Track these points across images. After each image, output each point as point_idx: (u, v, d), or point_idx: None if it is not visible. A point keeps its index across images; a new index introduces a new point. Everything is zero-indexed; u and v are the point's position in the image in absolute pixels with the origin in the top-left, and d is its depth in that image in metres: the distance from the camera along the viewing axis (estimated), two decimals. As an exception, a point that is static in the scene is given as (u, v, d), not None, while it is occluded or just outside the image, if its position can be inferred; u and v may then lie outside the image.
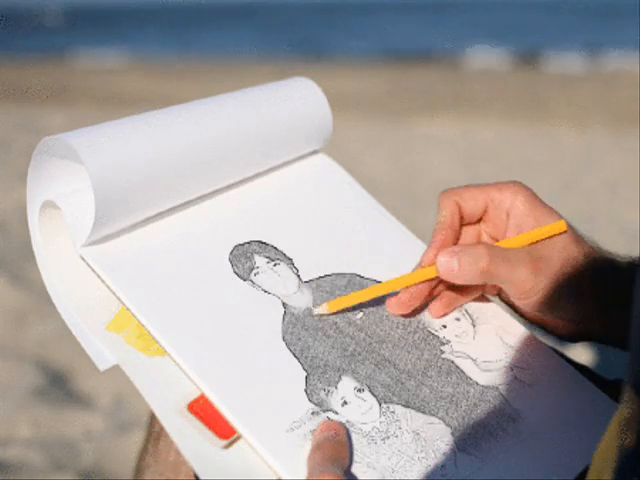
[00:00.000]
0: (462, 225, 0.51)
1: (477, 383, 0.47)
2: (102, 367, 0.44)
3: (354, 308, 0.49)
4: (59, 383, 1.48)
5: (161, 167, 0.47)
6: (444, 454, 0.43)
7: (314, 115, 0.58)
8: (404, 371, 0.46)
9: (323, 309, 0.47)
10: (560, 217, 0.49)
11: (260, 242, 0.51)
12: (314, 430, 0.41)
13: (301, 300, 0.48)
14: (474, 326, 0.51)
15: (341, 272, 0.51)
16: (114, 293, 0.44)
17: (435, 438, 0.43)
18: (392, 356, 0.47)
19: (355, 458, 0.41)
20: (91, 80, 7.29)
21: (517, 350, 0.50)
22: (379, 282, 0.51)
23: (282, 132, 0.55)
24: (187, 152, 0.48)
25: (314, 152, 0.60)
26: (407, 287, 0.48)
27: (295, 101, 0.57)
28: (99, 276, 0.45)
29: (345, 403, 0.43)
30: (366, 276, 0.51)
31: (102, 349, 0.44)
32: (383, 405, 0.44)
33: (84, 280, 0.45)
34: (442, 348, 0.49)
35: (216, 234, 0.50)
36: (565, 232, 0.48)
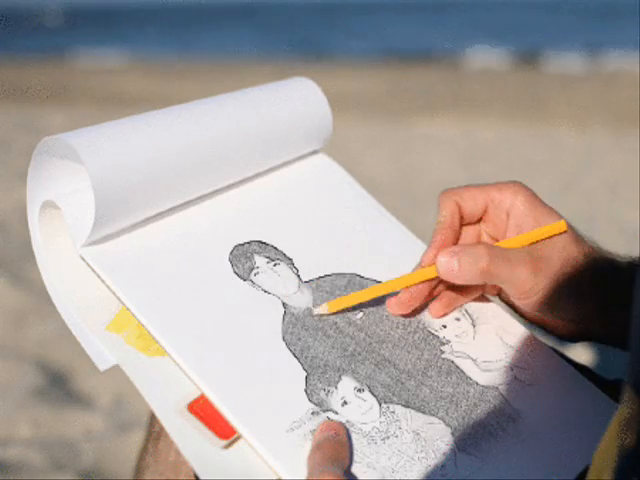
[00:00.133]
0: (462, 225, 0.51)
1: (477, 383, 0.47)
2: (102, 367, 0.44)
3: (354, 308, 0.49)
4: (59, 383, 1.48)
5: (161, 167, 0.47)
6: (444, 454, 0.43)
7: (314, 115, 0.58)
8: (404, 371, 0.46)
9: (323, 309, 0.47)
10: (560, 217, 0.49)
11: (260, 242, 0.51)
12: (314, 430, 0.41)
13: (301, 300, 0.48)
14: (474, 326, 0.51)
15: (341, 272, 0.51)
16: (114, 293, 0.44)
17: (435, 438, 0.43)
18: (392, 356, 0.47)
19: (355, 458, 0.41)
20: (91, 80, 7.29)
21: (517, 350, 0.50)
22: (379, 282, 0.51)
23: (282, 132, 0.55)
24: (187, 152, 0.48)
25: (314, 152, 0.60)
26: (407, 287, 0.48)
27: (295, 101, 0.57)
28: (99, 276, 0.45)
29: (345, 403, 0.43)
30: (366, 276, 0.51)
31: (102, 349, 0.44)
32: (383, 405, 0.44)
33: (84, 280, 0.45)
34: (442, 348, 0.49)
35: (216, 234, 0.50)
36: (565, 232, 0.48)
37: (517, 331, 0.52)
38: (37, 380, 1.46)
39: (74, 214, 0.44)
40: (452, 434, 0.44)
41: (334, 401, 0.43)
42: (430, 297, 0.50)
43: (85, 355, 0.44)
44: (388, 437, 0.42)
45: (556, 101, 5.79)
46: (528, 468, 0.43)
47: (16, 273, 2.01)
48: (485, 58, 9.70)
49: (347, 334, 0.47)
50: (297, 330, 0.46)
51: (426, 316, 0.50)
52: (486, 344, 0.50)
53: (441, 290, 0.50)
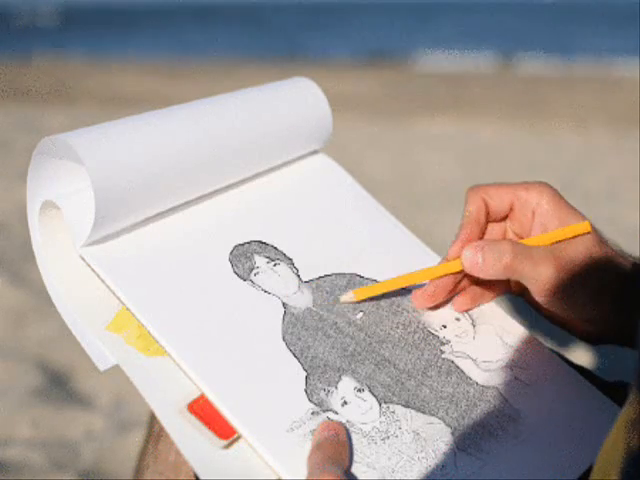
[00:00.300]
0: (488, 222, 0.52)
1: (477, 383, 0.47)
2: (102, 367, 0.44)
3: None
4: (59, 383, 1.48)
5: (161, 167, 0.47)
6: (444, 454, 0.43)
7: (314, 115, 0.58)
8: (404, 371, 0.46)
9: (349, 297, 0.48)
10: (584, 218, 0.49)
11: (260, 242, 0.51)
12: (314, 430, 0.41)
13: (301, 300, 0.48)
14: (474, 326, 0.51)
15: (341, 272, 0.51)
16: (114, 293, 0.44)
17: (435, 438, 0.43)
18: (392, 356, 0.47)
19: (355, 458, 0.41)
20: (91, 80, 7.29)
21: (517, 350, 0.50)
22: (379, 282, 0.51)
23: (282, 132, 0.55)
24: (187, 152, 0.48)
25: (314, 152, 0.60)
26: (432, 280, 0.49)
27: (295, 101, 0.57)
28: (99, 276, 0.45)
29: (345, 403, 0.43)
30: (366, 276, 0.51)
31: (102, 349, 0.44)
32: (383, 405, 0.44)
33: (84, 280, 0.45)
34: (442, 348, 0.49)
35: (216, 234, 0.50)
36: (589, 233, 0.49)
37: (517, 331, 0.52)
38: (37, 380, 1.46)
39: (74, 214, 0.44)
40: (452, 434, 0.44)
41: (334, 401, 0.43)
42: (454, 292, 0.51)
43: (85, 355, 0.44)
44: (388, 437, 0.42)
45: (559, 104, 5.79)
46: (528, 468, 0.43)
47: (16, 273, 2.01)
48: (483, 60, 9.72)
49: (347, 334, 0.47)
50: (297, 330, 0.46)
51: (426, 316, 0.50)
52: (486, 344, 0.50)
53: (466, 285, 0.51)
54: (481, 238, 0.51)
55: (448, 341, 0.49)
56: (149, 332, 0.43)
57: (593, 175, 3.45)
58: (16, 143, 3.85)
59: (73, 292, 0.45)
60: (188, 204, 0.51)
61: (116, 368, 0.44)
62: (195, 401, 0.42)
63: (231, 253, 0.49)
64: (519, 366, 0.49)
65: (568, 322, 0.51)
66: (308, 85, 0.59)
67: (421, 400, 0.45)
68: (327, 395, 0.43)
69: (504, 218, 0.52)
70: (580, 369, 0.52)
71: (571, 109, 5.43)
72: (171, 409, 0.41)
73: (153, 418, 0.56)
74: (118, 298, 0.44)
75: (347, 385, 0.44)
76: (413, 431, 0.43)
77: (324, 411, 0.42)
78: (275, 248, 0.51)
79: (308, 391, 0.43)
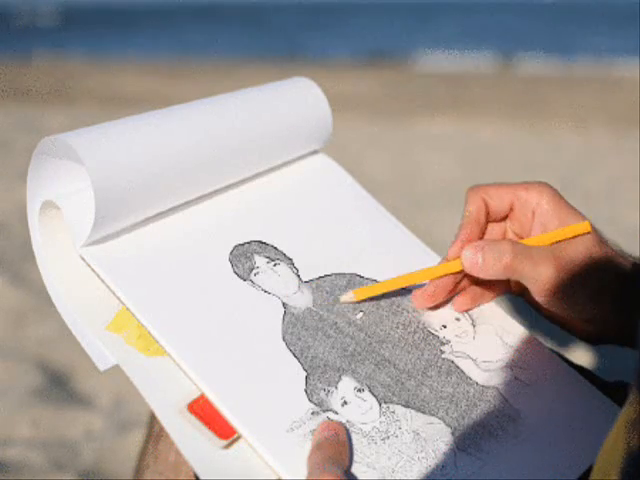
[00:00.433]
0: (488, 222, 0.52)
1: (477, 383, 0.47)
2: (102, 367, 0.44)
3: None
4: (59, 383, 1.48)
5: (161, 167, 0.47)
6: (444, 454, 0.43)
7: (314, 115, 0.58)
8: (404, 371, 0.46)
9: (349, 297, 0.48)
10: (584, 218, 0.50)
11: (260, 242, 0.51)
12: (314, 430, 0.41)
13: (301, 300, 0.48)
14: (474, 326, 0.51)
15: (341, 272, 0.51)
16: (114, 293, 0.44)
17: (435, 438, 0.43)
18: (392, 356, 0.47)
19: (355, 458, 0.41)
20: (91, 80, 7.29)
21: (517, 350, 0.50)
22: (379, 282, 0.51)
23: (282, 132, 0.55)
24: (187, 152, 0.48)
25: (314, 152, 0.60)
26: (432, 279, 0.49)
27: (295, 101, 0.57)
28: (99, 276, 0.45)
29: (345, 403, 0.43)
30: (366, 276, 0.51)
31: (102, 349, 0.44)
32: (383, 405, 0.44)
33: (84, 280, 0.45)
34: (442, 348, 0.49)
35: (216, 234, 0.50)
36: (589, 233, 0.49)
37: (517, 331, 0.52)
38: (37, 380, 1.46)
39: (74, 214, 0.44)
40: (452, 434, 0.44)
41: (334, 401, 0.43)
42: (454, 292, 0.51)
43: (85, 355, 0.44)
44: (388, 437, 0.42)
45: (559, 104, 5.79)
46: (528, 468, 0.43)
47: (16, 273, 2.01)
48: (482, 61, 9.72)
49: (347, 334, 0.47)
50: (297, 330, 0.46)
51: (426, 316, 0.50)
52: (486, 344, 0.50)
53: (466, 285, 0.51)
54: (481, 238, 0.51)
55: (448, 341, 0.49)
56: (149, 332, 0.43)
57: (593, 175, 3.45)
58: (16, 143, 3.85)
59: (73, 292, 0.45)
60: (188, 204, 0.51)
61: (116, 368, 0.44)
62: (195, 401, 0.42)
63: (231, 253, 0.49)
64: (519, 366, 0.49)
65: (568, 322, 0.51)
66: (308, 85, 0.59)
67: (421, 400, 0.45)
68: (327, 395, 0.43)
69: (504, 218, 0.52)
70: (580, 369, 0.52)
71: (571, 109, 5.43)
72: (171, 409, 0.41)
73: (153, 418, 0.56)
74: (118, 298, 0.44)
75: (347, 385, 0.44)
76: (413, 431, 0.43)
77: (324, 411, 0.42)
78: (275, 248, 0.51)
79: (308, 391, 0.43)
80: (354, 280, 0.51)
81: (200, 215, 0.51)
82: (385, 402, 0.44)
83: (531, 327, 0.52)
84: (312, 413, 0.42)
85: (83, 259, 0.45)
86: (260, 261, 0.49)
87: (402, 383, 0.46)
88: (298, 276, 0.50)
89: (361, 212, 0.57)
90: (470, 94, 6.36)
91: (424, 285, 0.50)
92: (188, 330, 0.44)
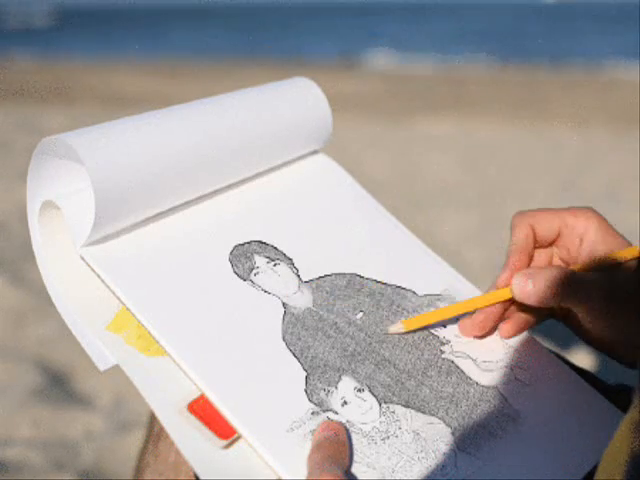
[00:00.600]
0: (535, 247, 0.51)
1: (477, 383, 0.47)
2: (102, 367, 0.44)
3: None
4: (59, 383, 1.48)
5: (161, 167, 0.47)
6: (444, 454, 0.43)
7: (314, 115, 0.58)
8: (404, 371, 0.46)
9: (398, 327, 0.48)
10: (630, 244, 0.49)
11: (260, 242, 0.51)
12: (314, 430, 0.41)
13: (301, 300, 0.48)
14: (474, 326, 0.51)
15: (341, 272, 0.51)
16: (114, 293, 0.44)
17: (435, 438, 0.43)
18: (392, 356, 0.47)
19: (355, 458, 0.41)
20: (91, 80, 7.29)
21: (517, 350, 0.50)
22: (379, 282, 0.51)
23: (282, 132, 0.55)
24: (187, 152, 0.48)
25: (314, 152, 0.60)
26: (481, 308, 0.49)
27: (295, 101, 0.57)
28: (99, 276, 0.45)
29: (345, 403, 0.43)
30: (366, 276, 0.51)
31: (102, 349, 0.44)
32: (383, 405, 0.44)
33: (84, 280, 0.45)
34: (442, 348, 0.49)
35: (216, 234, 0.50)
36: (638, 258, 0.48)
37: (517, 331, 0.52)
38: (37, 380, 1.46)
39: (74, 214, 0.44)
40: (452, 434, 0.44)
41: (334, 401, 0.43)
42: (501, 319, 0.50)
43: (85, 355, 0.44)
44: (388, 437, 0.42)
45: (560, 104, 5.79)
46: (528, 468, 0.43)
47: (16, 273, 2.01)
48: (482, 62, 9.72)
49: (347, 334, 0.47)
50: (297, 330, 0.46)
51: (426, 316, 0.50)
52: (486, 344, 0.50)
53: (512, 313, 0.51)
54: (529, 265, 0.51)
55: (448, 341, 0.49)
56: (149, 332, 0.43)
57: (593, 175, 3.45)
58: (16, 143, 3.85)
59: (73, 292, 0.45)
60: (188, 204, 0.51)
61: (116, 368, 0.44)
62: (195, 401, 0.42)
63: (231, 253, 0.49)
64: (519, 366, 0.49)
65: (615, 348, 0.50)
66: (308, 85, 0.59)
67: (421, 400, 0.45)
68: (327, 395, 0.43)
69: (551, 244, 0.52)
70: (581, 372, 0.52)
71: (571, 109, 5.43)
72: (171, 409, 0.41)
73: (153, 418, 0.56)
74: (118, 298, 0.44)
75: (347, 385, 0.44)
76: (413, 431, 0.43)
77: (324, 411, 0.42)
78: (275, 248, 0.51)
79: (308, 391, 0.43)
80: (354, 280, 0.51)
81: (200, 215, 0.51)
82: (385, 402, 0.44)
83: (532, 332, 0.52)
84: (312, 413, 0.42)
85: (83, 259, 0.45)
86: (260, 261, 0.49)
87: (402, 383, 0.46)
88: (298, 276, 0.50)
89: (361, 212, 0.57)
90: (470, 94, 6.36)
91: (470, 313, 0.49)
92: (188, 330, 0.44)
